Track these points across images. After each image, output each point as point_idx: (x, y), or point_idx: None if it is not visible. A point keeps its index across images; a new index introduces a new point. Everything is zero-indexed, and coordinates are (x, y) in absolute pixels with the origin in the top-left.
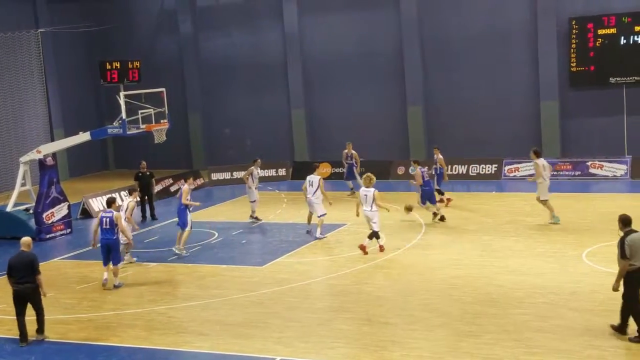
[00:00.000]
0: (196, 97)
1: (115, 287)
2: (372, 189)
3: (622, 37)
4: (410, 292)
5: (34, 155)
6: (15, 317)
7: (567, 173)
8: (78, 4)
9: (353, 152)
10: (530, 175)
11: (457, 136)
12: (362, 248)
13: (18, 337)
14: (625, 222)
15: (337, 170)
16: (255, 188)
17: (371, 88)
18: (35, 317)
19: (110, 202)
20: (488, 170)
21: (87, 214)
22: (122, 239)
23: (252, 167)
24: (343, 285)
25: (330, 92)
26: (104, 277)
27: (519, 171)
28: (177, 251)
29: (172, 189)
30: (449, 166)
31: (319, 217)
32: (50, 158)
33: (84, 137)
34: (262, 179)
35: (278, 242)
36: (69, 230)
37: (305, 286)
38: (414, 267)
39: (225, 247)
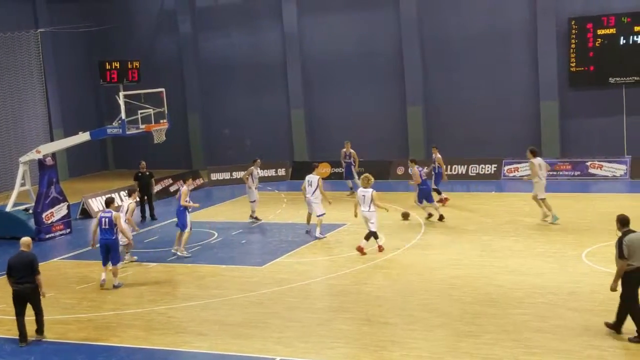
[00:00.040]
0: (196, 97)
1: (115, 287)
2: (371, 190)
3: (622, 37)
4: (409, 292)
5: (33, 155)
6: (14, 317)
7: (566, 173)
8: (78, 4)
9: (351, 150)
10: (527, 175)
11: (457, 136)
12: (360, 250)
13: (17, 337)
14: (623, 222)
15: (336, 170)
16: (255, 188)
17: (371, 88)
18: (34, 318)
19: (109, 202)
20: (488, 171)
21: (86, 214)
22: (123, 239)
23: (252, 168)
24: (343, 285)
25: (330, 92)
26: (102, 277)
27: (518, 171)
28: (179, 253)
29: (172, 189)
30: (449, 166)
31: (317, 216)
32: (49, 158)
33: (83, 137)
34: (262, 179)
35: (278, 242)
36: (68, 230)
37: (305, 286)
38: (414, 267)
39: (225, 247)
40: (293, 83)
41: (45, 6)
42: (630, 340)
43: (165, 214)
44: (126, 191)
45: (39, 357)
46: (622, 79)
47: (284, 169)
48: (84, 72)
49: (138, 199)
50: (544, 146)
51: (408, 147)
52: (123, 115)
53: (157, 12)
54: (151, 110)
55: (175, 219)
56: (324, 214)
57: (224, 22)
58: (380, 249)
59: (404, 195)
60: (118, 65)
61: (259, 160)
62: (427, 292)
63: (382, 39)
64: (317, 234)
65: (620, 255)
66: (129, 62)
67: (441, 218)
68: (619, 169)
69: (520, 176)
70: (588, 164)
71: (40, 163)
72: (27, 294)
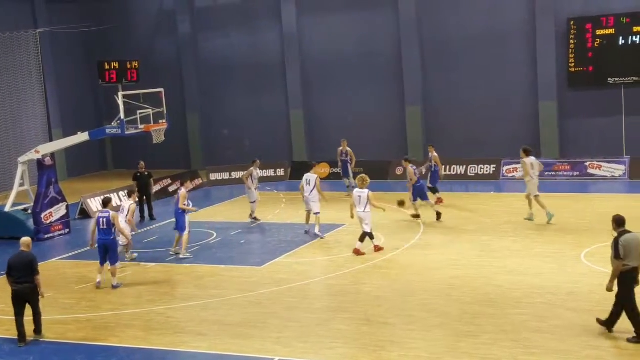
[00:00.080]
0: (195, 98)
1: (114, 287)
2: (366, 190)
3: (621, 38)
4: (408, 292)
5: (32, 155)
6: (13, 318)
7: (565, 173)
8: (77, 4)
9: (348, 149)
10: (520, 175)
11: (456, 136)
12: (357, 252)
13: (16, 337)
14: (619, 222)
15: (335, 170)
16: (255, 189)
17: (370, 88)
18: (32, 318)
19: (106, 202)
20: (486, 171)
21: (85, 214)
22: (122, 240)
23: (252, 168)
24: (342, 285)
25: (329, 93)
26: (97, 280)
27: (517, 171)
28: (180, 255)
29: (171, 189)
30: (448, 166)
31: (314, 214)
32: (48, 158)
33: (82, 137)
34: (261, 179)
35: (277, 242)
36: (67, 230)
37: (304, 286)
38: (413, 267)
39: (224, 247)
40: (292, 83)
41: (44, 6)
42: (628, 340)
43: (164, 214)
44: (125, 191)
45: (38, 357)
46: (621, 79)
47: (283, 169)
48: (83, 72)
49: (137, 199)
50: (543, 146)
51: (407, 147)
52: (122, 115)
53: (156, 12)
54: (150, 110)
55: (174, 220)
56: (319, 212)
57: (223, 22)
58: (376, 248)
59: (402, 195)
60: (117, 65)
61: (258, 161)
62: (426, 292)
63: (381, 39)
64: (317, 231)
65: (616, 255)
66: (128, 62)
67: (438, 216)
68: (618, 170)
69: (512, 176)
70: (587, 164)
71: (39, 163)
72: (26, 294)
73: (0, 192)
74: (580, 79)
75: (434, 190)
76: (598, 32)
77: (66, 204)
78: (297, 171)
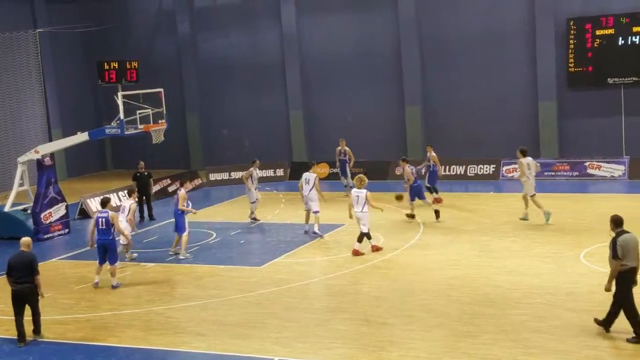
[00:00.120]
0: (194, 98)
1: (113, 287)
2: (364, 191)
3: (620, 38)
4: (408, 292)
5: (32, 155)
6: (13, 317)
7: (565, 173)
8: (76, 4)
9: (346, 148)
10: (517, 175)
11: (455, 136)
12: (356, 253)
13: (16, 337)
14: (617, 222)
15: (335, 170)
16: (255, 189)
17: (369, 88)
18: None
19: (105, 202)
20: (486, 171)
21: (85, 214)
22: (123, 239)
23: (252, 169)
24: (341, 285)
25: (328, 93)
26: (95, 280)
27: (516, 172)
28: (180, 256)
29: (170, 189)
30: (448, 166)
31: (314, 213)
32: (48, 158)
33: (81, 137)
34: (260, 180)
35: (276, 242)
36: (66, 230)
37: (303, 286)
38: (412, 267)
39: (224, 247)
40: (292, 83)
41: (44, 6)
42: (628, 340)
43: (163, 214)
44: (125, 191)
45: (38, 357)
46: (620, 79)
47: (282, 170)
48: (82, 72)
49: (137, 199)
50: (542, 146)
51: (406, 147)
52: (121, 115)
53: (155, 12)
54: (150, 110)
55: (173, 220)
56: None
57: (222, 22)
58: (374, 248)
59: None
60: (116, 65)
61: (258, 161)
62: (425, 292)
63: (380, 39)
64: (316, 229)
65: (614, 255)
66: (128, 62)
67: (437, 215)
68: (617, 170)
69: (511, 176)
70: (586, 164)
71: (39, 163)
72: (26, 294)
73: (0, 192)
74: (580, 79)
75: (433, 190)
76: (597, 32)
77: (66, 204)
78: (297, 171)
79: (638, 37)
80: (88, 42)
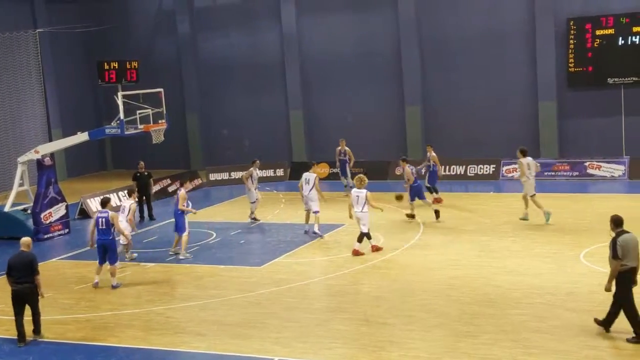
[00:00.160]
0: (194, 98)
1: (113, 287)
2: (364, 191)
3: (620, 38)
4: (408, 292)
5: (32, 155)
6: (13, 317)
7: (565, 173)
8: (76, 4)
9: (346, 148)
10: (517, 175)
11: (455, 136)
12: (356, 253)
13: (16, 337)
14: (616, 222)
15: (335, 170)
16: (255, 189)
17: (369, 88)
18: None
19: (105, 203)
20: (486, 171)
21: (85, 214)
22: (122, 240)
23: (252, 169)
24: (341, 285)
25: (328, 93)
26: (95, 280)
27: (516, 172)
28: (180, 256)
29: (170, 189)
30: (448, 166)
31: (314, 213)
32: (48, 158)
33: (81, 137)
34: (260, 180)
35: (276, 242)
36: (66, 230)
37: (303, 286)
38: (412, 267)
39: (224, 247)
40: (292, 83)
41: (44, 6)
42: (628, 340)
43: (163, 214)
44: (125, 191)
45: (38, 357)
46: (620, 79)
47: (282, 170)
48: (82, 72)
49: (137, 199)
50: (542, 146)
51: (406, 147)
52: (121, 115)
53: (155, 12)
54: (150, 110)
55: (173, 220)
56: (319, 211)
57: (222, 22)
58: (374, 248)
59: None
60: (116, 65)
61: (258, 161)
62: (425, 292)
63: (380, 39)
64: (316, 229)
65: (614, 255)
66: (128, 62)
67: (437, 215)
68: (617, 170)
69: (511, 176)
70: (586, 164)
71: (39, 163)
72: (25, 294)
73: (0, 192)
74: (580, 79)
75: (433, 190)
76: (597, 32)
77: (65, 204)
78: (297, 171)
79: (638, 37)
80: (88, 42)
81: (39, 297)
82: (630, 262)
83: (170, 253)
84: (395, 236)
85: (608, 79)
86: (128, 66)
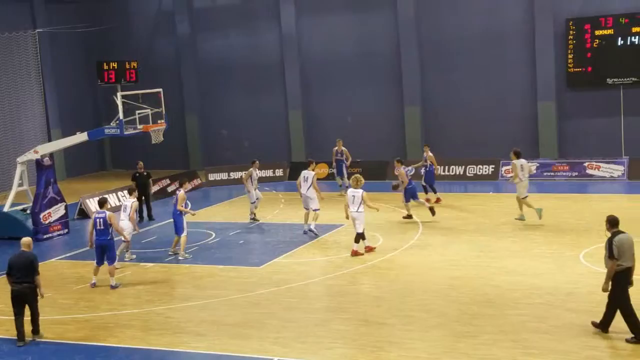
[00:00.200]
0: (193, 98)
1: (113, 287)
2: (361, 190)
3: (619, 38)
4: (407, 292)
5: (31, 155)
6: (12, 317)
7: (564, 174)
8: (76, 4)
9: (343, 148)
10: (511, 176)
11: (455, 137)
12: (354, 253)
13: (15, 337)
14: (612, 223)
15: (334, 170)
16: (255, 189)
17: (368, 89)
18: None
19: (102, 203)
20: (485, 171)
21: (84, 214)
22: (127, 234)
23: (252, 169)
24: (340, 285)
25: (328, 93)
26: (93, 281)
27: (510, 173)
28: (180, 257)
29: (170, 189)
30: (447, 167)
31: (313, 210)
32: (47, 158)
33: (81, 137)
34: (260, 180)
35: (275, 242)
36: (66, 230)
37: (303, 287)
38: (412, 267)
39: (223, 247)
40: (291, 84)
41: (43, 6)
42: (627, 340)
43: (162, 214)
44: (125, 191)
45: (37, 357)
46: (619, 79)
47: (281, 170)
48: (81, 72)
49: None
50: (541, 147)
51: (405, 147)
52: (121, 115)
53: (154, 12)
54: (149, 110)
55: (172, 220)
56: (319, 209)
57: (221, 23)
58: (367, 249)
59: (399, 195)
60: (116, 65)
61: (257, 162)
62: (424, 292)
63: (379, 39)
64: (312, 227)
65: (610, 255)
66: (127, 63)
67: (432, 212)
68: (616, 170)
69: (511, 176)
70: (586, 164)
71: (38, 163)
72: (25, 294)
73: None
74: (579, 79)
75: (431, 190)
76: (597, 33)
77: (65, 204)
78: (296, 171)
79: (637, 37)
80: (87, 43)
81: (39, 297)
82: (626, 262)
83: (170, 253)
84: (395, 236)
85: (607, 80)
86: (127, 66)
